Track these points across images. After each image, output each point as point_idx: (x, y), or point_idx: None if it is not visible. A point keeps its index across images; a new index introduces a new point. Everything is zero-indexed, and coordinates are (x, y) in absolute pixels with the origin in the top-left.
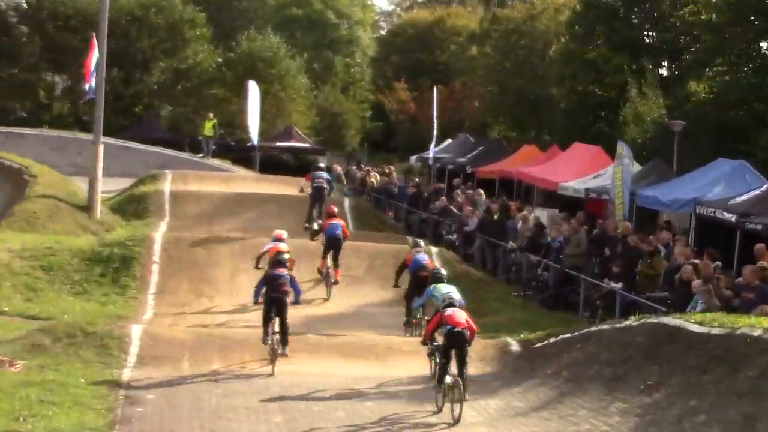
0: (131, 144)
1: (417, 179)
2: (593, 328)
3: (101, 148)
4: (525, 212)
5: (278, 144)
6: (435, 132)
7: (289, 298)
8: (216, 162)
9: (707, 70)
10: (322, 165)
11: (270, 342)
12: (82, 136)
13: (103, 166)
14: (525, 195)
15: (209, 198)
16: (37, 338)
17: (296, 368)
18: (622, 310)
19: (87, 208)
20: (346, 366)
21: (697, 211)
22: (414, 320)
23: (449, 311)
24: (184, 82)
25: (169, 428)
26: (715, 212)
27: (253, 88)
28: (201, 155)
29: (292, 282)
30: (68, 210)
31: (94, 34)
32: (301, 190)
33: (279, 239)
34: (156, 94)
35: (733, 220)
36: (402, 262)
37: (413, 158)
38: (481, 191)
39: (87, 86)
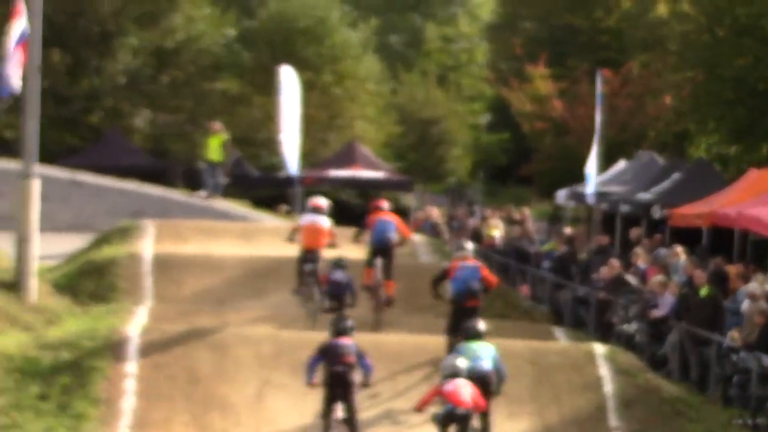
0: (86, 177)
1: (568, 230)
2: None
3: (37, 184)
4: (755, 283)
5: (332, 174)
6: (597, 149)
7: (357, 375)
8: (228, 205)
9: None
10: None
11: None
12: (4, 164)
13: (42, 215)
14: (754, 254)
15: (219, 266)
16: None
17: None
18: None
19: (14, 285)
20: None
21: None
22: None
23: (450, 386)
24: (171, 70)
25: None
26: None
27: (290, 79)
28: (203, 193)
29: (360, 355)
30: None
31: None
32: (291, 238)
33: (317, 209)
34: (124, 91)
35: None
36: (441, 271)
37: (561, 195)
38: (679, 249)
39: (5, 78)
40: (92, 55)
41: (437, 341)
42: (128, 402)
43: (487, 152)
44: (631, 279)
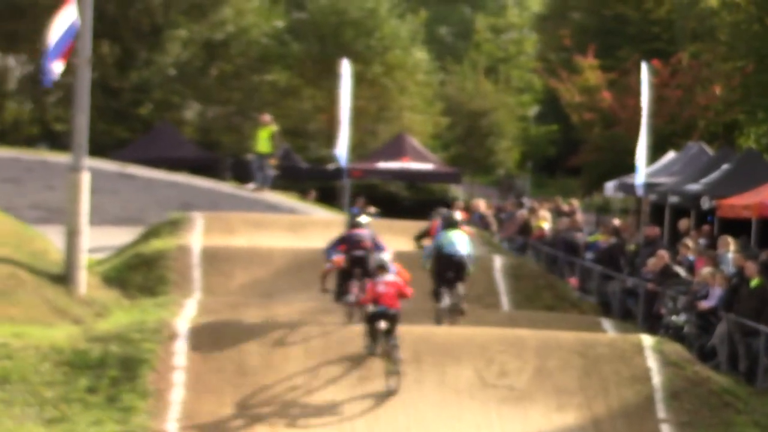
0: (136, 170)
1: (617, 221)
2: None
3: (86, 177)
4: None
5: (382, 165)
6: (646, 140)
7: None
8: (277, 198)
9: None
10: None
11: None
12: (54, 157)
13: (91, 208)
14: None
15: (267, 258)
16: None
17: None
18: None
19: (64, 278)
20: None
21: None
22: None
23: (382, 287)
24: (220, 62)
25: None
26: None
27: (345, 71)
28: (252, 186)
29: (375, 241)
30: (33, 282)
31: None
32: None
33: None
34: (174, 83)
35: None
36: (426, 228)
37: (610, 186)
38: (729, 240)
39: (47, 67)
40: (142, 48)
41: (486, 333)
42: (177, 394)
43: (535, 144)
44: (680, 270)
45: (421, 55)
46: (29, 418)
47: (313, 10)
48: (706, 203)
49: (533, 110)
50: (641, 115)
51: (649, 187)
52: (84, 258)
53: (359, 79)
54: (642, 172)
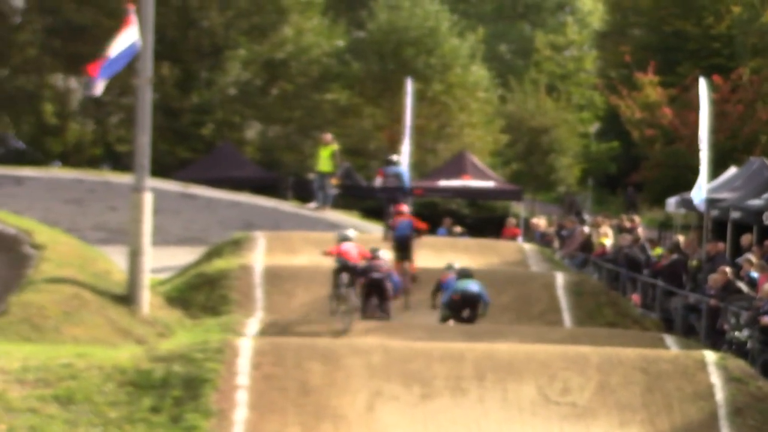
0: (198, 190)
1: (679, 237)
2: None
3: (149, 197)
4: None
5: (443, 183)
6: (706, 155)
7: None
8: (338, 216)
9: None
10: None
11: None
12: (116, 178)
13: (153, 229)
14: None
15: (328, 277)
16: None
17: None
18: None
19: (127, 298)
20: None
21: None
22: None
23: (344, 246)
24: (281, 81)
25: None
26: None
27: (410, 91)
28: (314, 205)
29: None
30: (97, 302)
31: (131, 5)
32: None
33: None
34: (235, 103)
35: None
36: (437, 283)
37: (671, 202)
38: None
39: (95, 80)
40: (203, 68)
41: (548, 350)
42: (240, 414)
43: (596, 160)
44: (742, 286)
45: (481, 73)
46: None
47: (373, 29)
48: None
49: (594, 127)
50: (701, 129)
51: (711, 202)
52: (147, 278)
53: (419, 97)
54: (703, 188)
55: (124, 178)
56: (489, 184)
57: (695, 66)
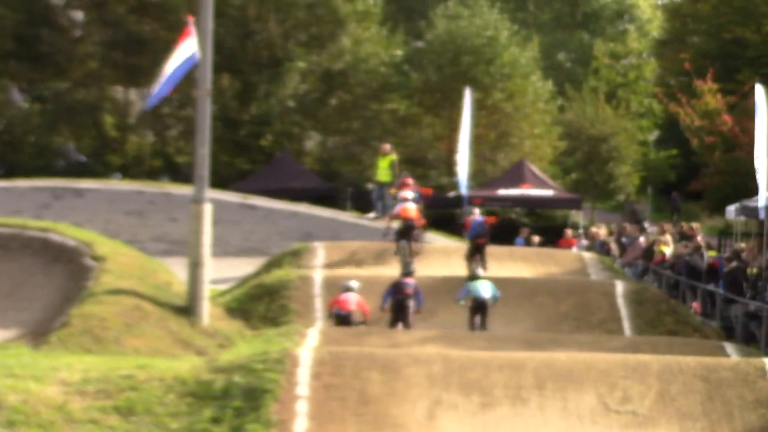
0: (257, 201)
1: (741, 245)
2: None
3: (208, 208)
4: None
5: (502, 192)
6: (766, 162)
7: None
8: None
9: None
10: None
11: None
12: (176, 189)
13: (213, 240)
14: None
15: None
16: None
17: None
18: None
19: (187, 309)
20: None
21: None
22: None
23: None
24: (339, 92)
25: None
26: None
27: (467, 99)
28: (372, 215)
29: (416, 290)
30: (157, 314)
31: (190, 17)
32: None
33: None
34: (294, 114)
35: None
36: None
37: (731, 209)
38: None
39: (155, 93)
40: (262, 80)
41: (608, 358)
42: (300, 424)
43: (655, 169)
44: None
45: (541, 82)
46: None
47: (432, 39)
48: None
49: (653, 135)
50: (763, 138)
51: None
52: (207, 289)
53: (479, 107)
54: (763, 196)
55: (183, 190)
56: (548, 192)
57: (755, 73)
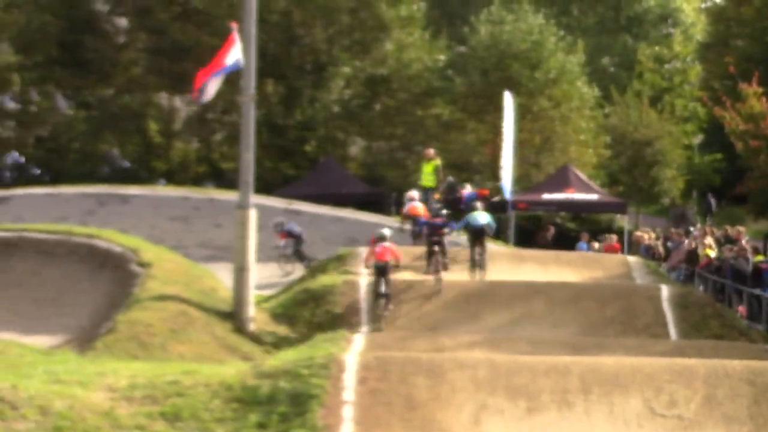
0: (302, 206)
1: None
2: None
3: (253, 214)
4: None
5: (546, 197)
6: None
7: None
8: None
9: None
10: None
11: None
12: (221, 195)
13: (258, 245)
14: None
15: (434, 291)
16: None
17: None
18: None
19: (233, 315)
20: None
21: None
22: None
23: (378, 248)
24: (383, 97)
25: None
26: None
27: (508, 104)
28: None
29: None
30: (203, 319)
31: (235, 24)
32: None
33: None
34: (338, 120)
35: None
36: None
37: None
38: None
39: (206, 87)
40: (306, 86)
41: (653, 362)
42: (346, 429)
43: (700, 172)
44: None
45: (587, 88)
46: None
47: (475, 44)
48: None
49: (698, 139)
50: None
51: None
52: (252, 294)
53: (524, 112)
54: None
55: (228, 195)
56: (593, 197)
57: None
